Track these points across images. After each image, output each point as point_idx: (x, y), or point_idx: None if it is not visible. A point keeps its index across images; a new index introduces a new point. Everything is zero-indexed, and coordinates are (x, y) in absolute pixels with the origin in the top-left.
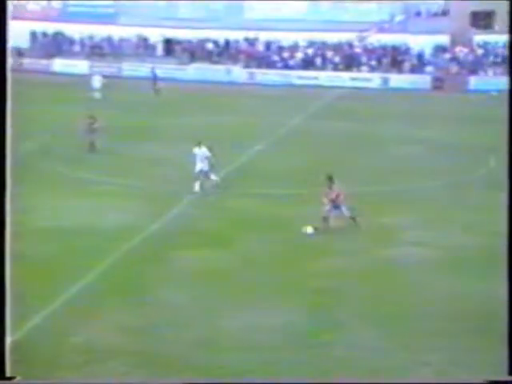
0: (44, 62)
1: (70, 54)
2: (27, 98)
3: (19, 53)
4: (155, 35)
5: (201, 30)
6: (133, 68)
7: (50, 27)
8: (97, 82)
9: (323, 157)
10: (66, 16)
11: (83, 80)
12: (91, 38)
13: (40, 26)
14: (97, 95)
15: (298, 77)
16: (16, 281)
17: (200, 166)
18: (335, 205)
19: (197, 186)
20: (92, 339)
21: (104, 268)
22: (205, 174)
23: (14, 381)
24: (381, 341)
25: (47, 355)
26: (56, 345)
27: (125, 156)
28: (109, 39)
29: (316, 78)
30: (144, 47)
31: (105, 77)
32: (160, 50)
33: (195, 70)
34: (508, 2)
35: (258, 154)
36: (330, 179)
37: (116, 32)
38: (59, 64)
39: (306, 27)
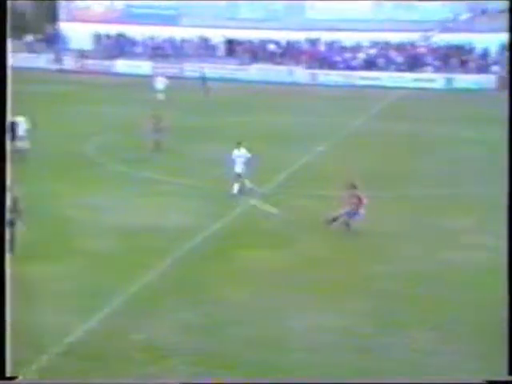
0: (107, 63)
1: (133, 55)
2: (91, 98)
3: (82, 54)
4: (216, 36)
5: (262, 30)
6: (194, 69)
7: (113, 29)
8: (160, 83)
9: (385, 158)
10: (128, 18)
11: (146, 81)
12: (153, 39)
13: (103, 28)
14: (160, 96)
15: (361, 77)
16: (83, 276)
17: (239, 168)
18: (353, 211)
19: (235, 188)
20: (153, 337)
21: (166, 266)
22: (238, 177)
23: (15, 381)
24: (440, 344)
25: (108, 352)
26: (117, 341)
27: (188, 156)
28: (171, 40)
29: (378, 78)
30: (205, 48)
31: (167, 77)
32: (221, 50)
33: (257, 71)
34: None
35: (320, 154)
36: (353, 186)
37: (178, 33)
38: (122, 65)
39: (368, 27)
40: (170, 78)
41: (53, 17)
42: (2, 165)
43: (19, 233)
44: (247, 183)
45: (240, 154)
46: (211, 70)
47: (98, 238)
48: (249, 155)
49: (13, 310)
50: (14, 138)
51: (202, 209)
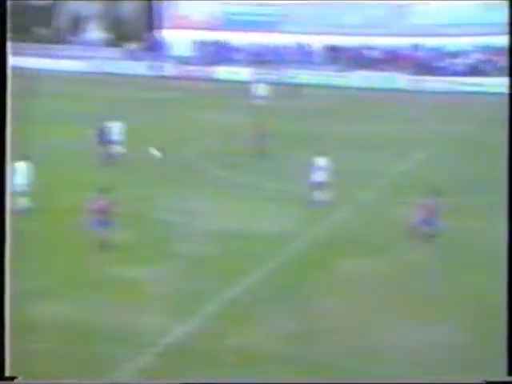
0: (207, 69)
1: (232, 62)
2: (191, 104)
3: (183, 61)
4: (316, 42)
5: (363, 36)
6: (294, 75)
7: (213, 35)
8: (260, 89)
9: (488, 166)
10: (228, 24)
11: (245, 87)
12: (253, 45)
13: (203, 35)
14: (260, 102)
15: (464, 83)
16: (180, 279)
17: (319, 175)
18: (427, 219)
19: (317, 196)
20: (249, 343)
21: (264, 272)
22: (318, 185)
23: (15, 381)
24: None
25: (204, 354)
26: (213, 345)
27: (287, 162)
28: (270, 46)
29: (482, 84)
30: (305, 54)
31: (267, 84)
32: (321, 56)
33: (357, 77)
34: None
35: (420, 162)
36: (437, 193)
37: (277, 39)
38: (222, 71)
39: (472, 31)
40: (269, 84)
41: (154, 24)
42: (2, 165)
43: (114, 234)
44: (326, 193)
45: (320, 165)
46: (310, 76)
47: (196, 242)
48: (329, 164)
49: (113, 311)
50: (108, 142)
51: (300, 215)
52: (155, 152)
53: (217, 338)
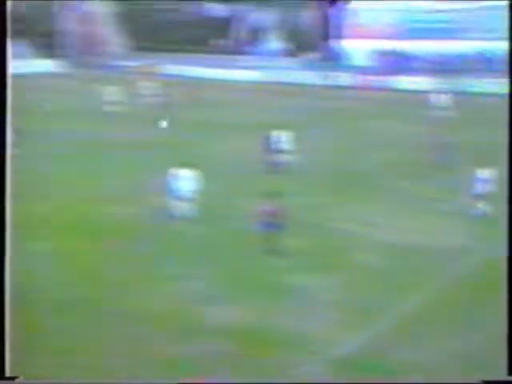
0: (386, 78)
1: (412, 71)
2: (370, 113)
3: (360, 70)
4: (499, 48)
5: None
6: (475, 84)
7: (392, 45)
8: (440, 98)
9: None
10: (407, 33)
11: (424, 97)
12: (433, 54)
13: (382, 44)
14: (440, 112)
15: None
16: (353, 289)
17: (482, 187)
18: None
19: (482, 208)
20: (420, 360)
21: (437, 289)
22: (479, 198)
23: (15, 381)
24: None
25: (372, 367)
26: (382, 358)
27: (466, 174)
28: (450, 55)
29: None
30: (486, 62)
31: (447, 93)
32: (504, 64)
33: None
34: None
35: None
36: None
37: (458, 47)
38: (401, 81)
39: None
40: (449, 93)
41: (332, 34)
42: (2, 167)
43: (286, 240)
44: (484, 205)
45: (479, 176)
46: (492, 84)
47: (369, 252)
48: (490, 177)
49: (282, 317)
50: (275, 151)
51: (478, 231)
52: (164, 124)
53: (386, 352)
